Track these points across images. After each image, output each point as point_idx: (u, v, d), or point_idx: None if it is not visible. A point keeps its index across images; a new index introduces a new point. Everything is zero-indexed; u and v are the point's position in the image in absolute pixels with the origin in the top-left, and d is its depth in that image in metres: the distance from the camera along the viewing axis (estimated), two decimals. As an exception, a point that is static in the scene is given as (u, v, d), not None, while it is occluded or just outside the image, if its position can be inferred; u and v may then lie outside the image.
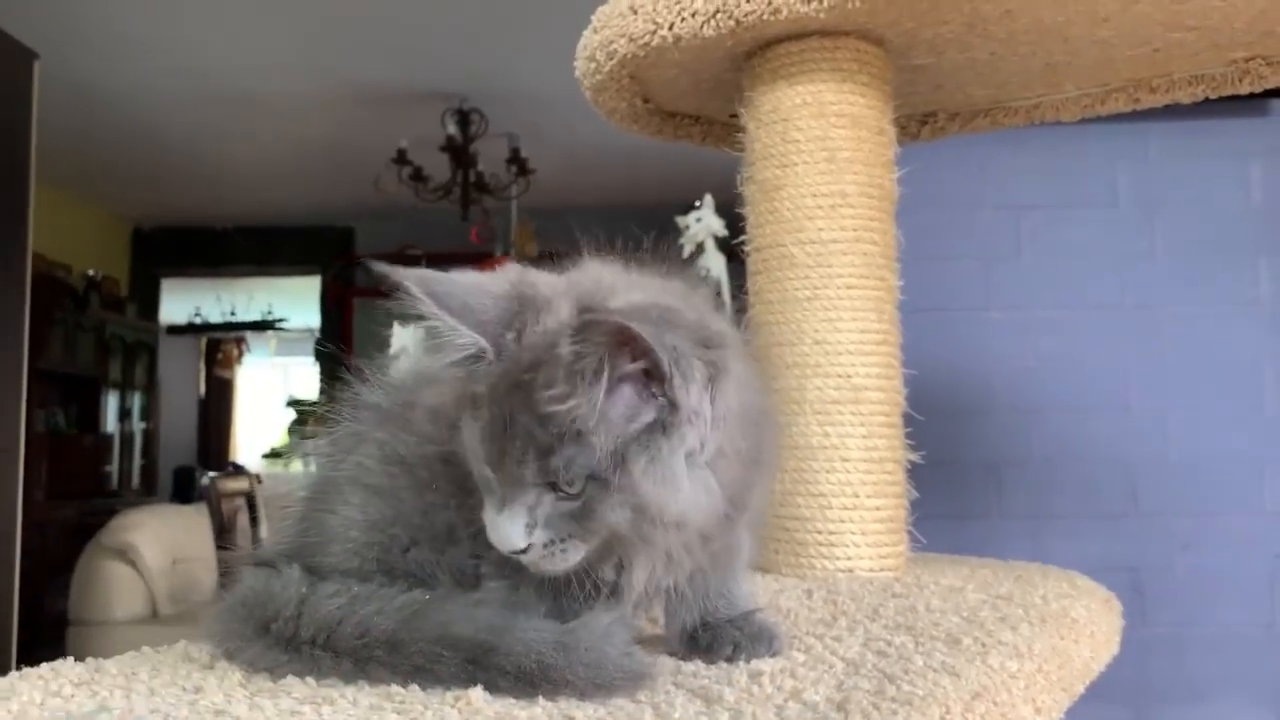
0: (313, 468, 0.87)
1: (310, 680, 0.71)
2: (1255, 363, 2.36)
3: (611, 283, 0.72)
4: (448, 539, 0.77)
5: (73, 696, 0.69)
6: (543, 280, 0.72)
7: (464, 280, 0.70)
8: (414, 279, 0.67)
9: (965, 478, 2.37)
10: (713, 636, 0.79)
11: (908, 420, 1.32)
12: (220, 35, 4.11)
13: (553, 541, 0.67)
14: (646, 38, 1.21)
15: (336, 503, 0.80)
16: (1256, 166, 2.40)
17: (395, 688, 0.69)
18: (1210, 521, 2.34)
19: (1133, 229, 2.42)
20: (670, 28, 1.20)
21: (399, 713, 0.63)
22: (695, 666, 0.76)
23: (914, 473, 1.32)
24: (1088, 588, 1.12)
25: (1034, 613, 0.96)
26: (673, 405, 0.67)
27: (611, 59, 1.27)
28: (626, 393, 0.66)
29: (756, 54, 1.29)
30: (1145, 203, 2.42)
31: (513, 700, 0.65)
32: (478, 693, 0.65)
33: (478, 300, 0.69)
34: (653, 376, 0.66)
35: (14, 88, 3.56)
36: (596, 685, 0.66)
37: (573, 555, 0.68)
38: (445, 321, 0.67)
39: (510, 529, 0.67)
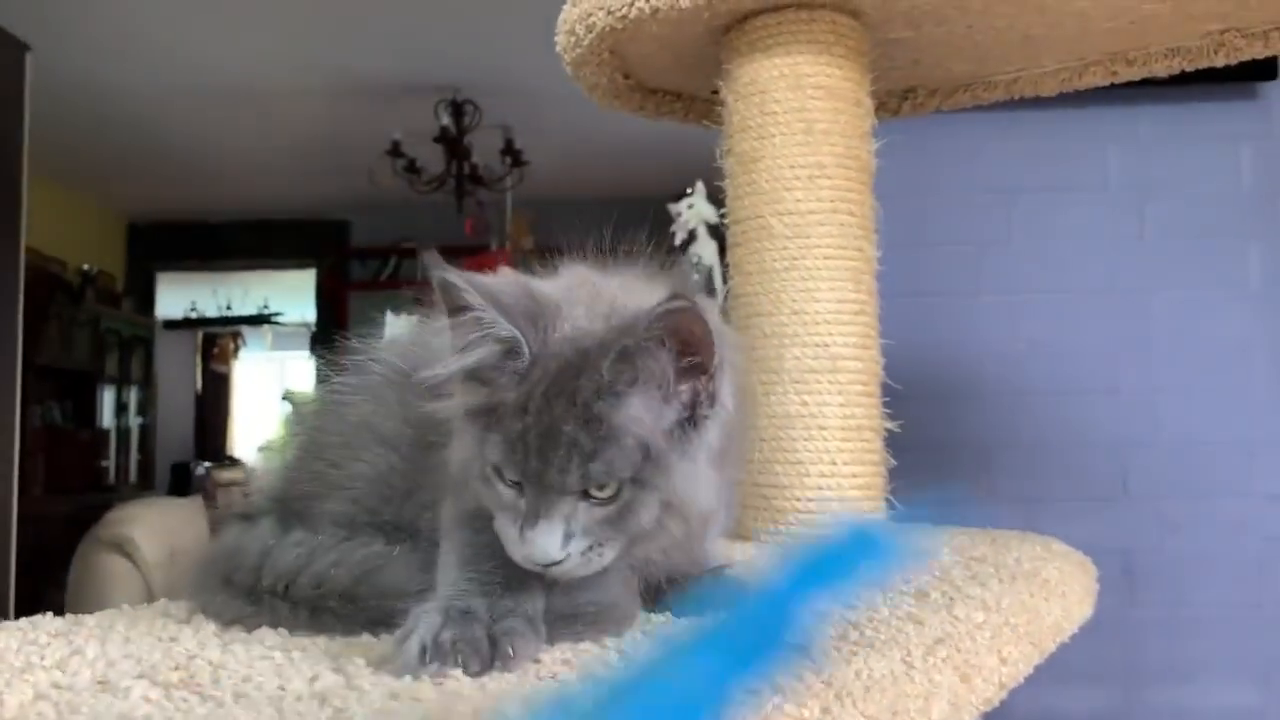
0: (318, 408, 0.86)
1: (283, 631, 0.72)
2: (1245, 346, 2.36)
3: (604, 287, 0.70)
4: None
5: (48, 645, 0.70)
6: (539, 285, 0.70)
7: (494, 278, 0.67)
8: (453, 273, 0.64)
9: (955, 461, 2.37)
10: (677, 593, 0.79)
11: (898, 400, 1.32)
12: (213, 28, 4.11)
13: (590, 548, 0.65)
14: (624, 10, 1.21)
15: (343, 455, 0.80)
16: (1246, 150, 2.40)
17: (366, 636, 0.71)
18: (1200, 504, 2.34)
19: (1123, 213, 2.42)
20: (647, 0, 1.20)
21: (366, 658, 0.64)
22: (662, 617, 0.77)
23: (903, 457, 1.32)
24: (1062, 551, 1.13)
25: (1005, 572, 0.97)
26: (711, 399, 0.66)
27: (590, 32, 1.27)
28: (674, 390, 0.65)
29: (734, 27, 1.29)
30: (1135, 187, 2.42)
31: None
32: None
33: (511, 295, 0.66)
34: (698, 371, 0.65)
35: (6, 81, 3.54)
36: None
37: (607, 558, 0.66)
38: (488, 314, 0.64)
39: (548, 541, 0.63)
